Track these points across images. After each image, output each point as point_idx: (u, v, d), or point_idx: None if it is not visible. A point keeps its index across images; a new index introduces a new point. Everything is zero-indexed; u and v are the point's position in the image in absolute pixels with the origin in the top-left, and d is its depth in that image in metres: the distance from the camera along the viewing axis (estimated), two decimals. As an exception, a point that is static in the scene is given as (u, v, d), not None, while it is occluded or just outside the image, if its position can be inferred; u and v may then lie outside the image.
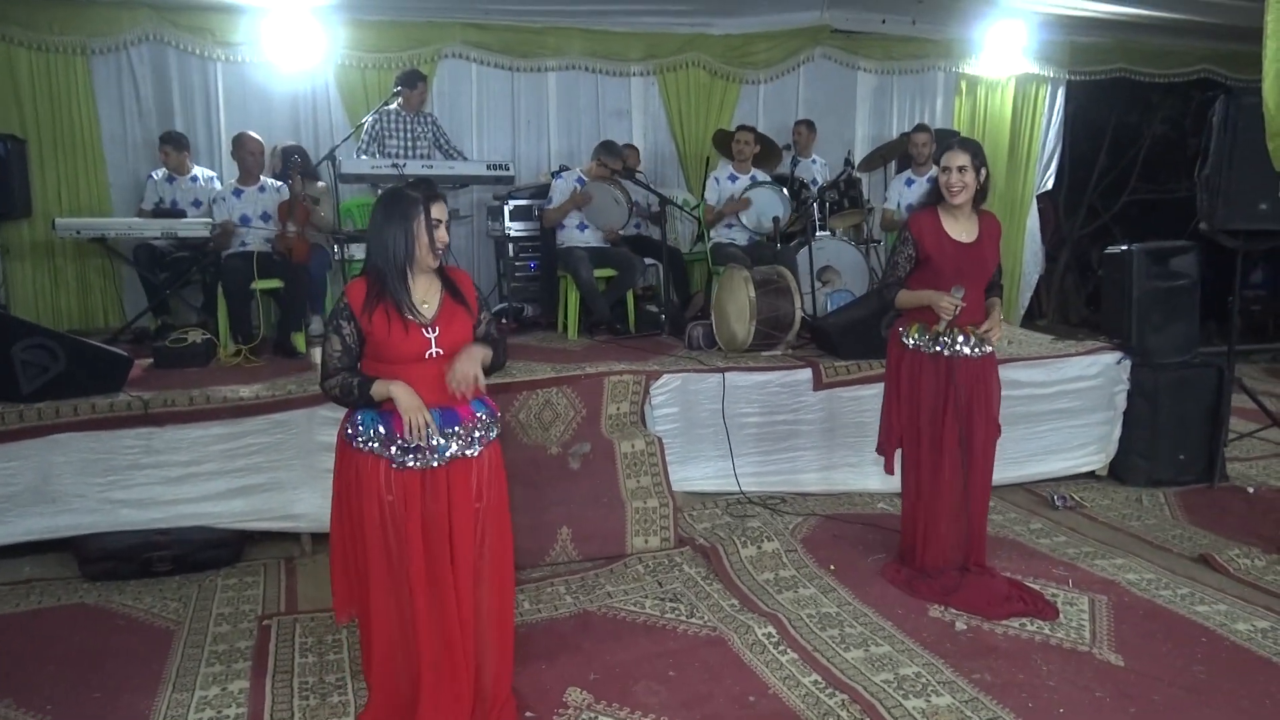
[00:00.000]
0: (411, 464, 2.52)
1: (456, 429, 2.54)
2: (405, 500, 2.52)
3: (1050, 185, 8.47)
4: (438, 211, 2.52)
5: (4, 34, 6.01)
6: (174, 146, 5.91)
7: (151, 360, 4.78)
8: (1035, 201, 8.37)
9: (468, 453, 2.56)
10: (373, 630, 2.63)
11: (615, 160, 5.85)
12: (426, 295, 2.56)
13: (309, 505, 4.07)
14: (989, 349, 3.61)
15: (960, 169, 3.44)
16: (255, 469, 4.05)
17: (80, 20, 6.12)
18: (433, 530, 2.55)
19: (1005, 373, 3.78)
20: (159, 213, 5.84)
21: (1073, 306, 10.67)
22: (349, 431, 2.57)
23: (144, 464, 3.92)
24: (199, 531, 3.99)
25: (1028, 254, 8.41)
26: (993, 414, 3.69)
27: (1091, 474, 5.21)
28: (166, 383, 4.35)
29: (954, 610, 3.50)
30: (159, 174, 6.04)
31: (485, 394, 2.64)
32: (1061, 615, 3.47)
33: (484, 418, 2.61)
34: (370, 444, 2.53)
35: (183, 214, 5.83)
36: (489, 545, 2.62)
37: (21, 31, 6.03)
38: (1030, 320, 8.83)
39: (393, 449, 2.51)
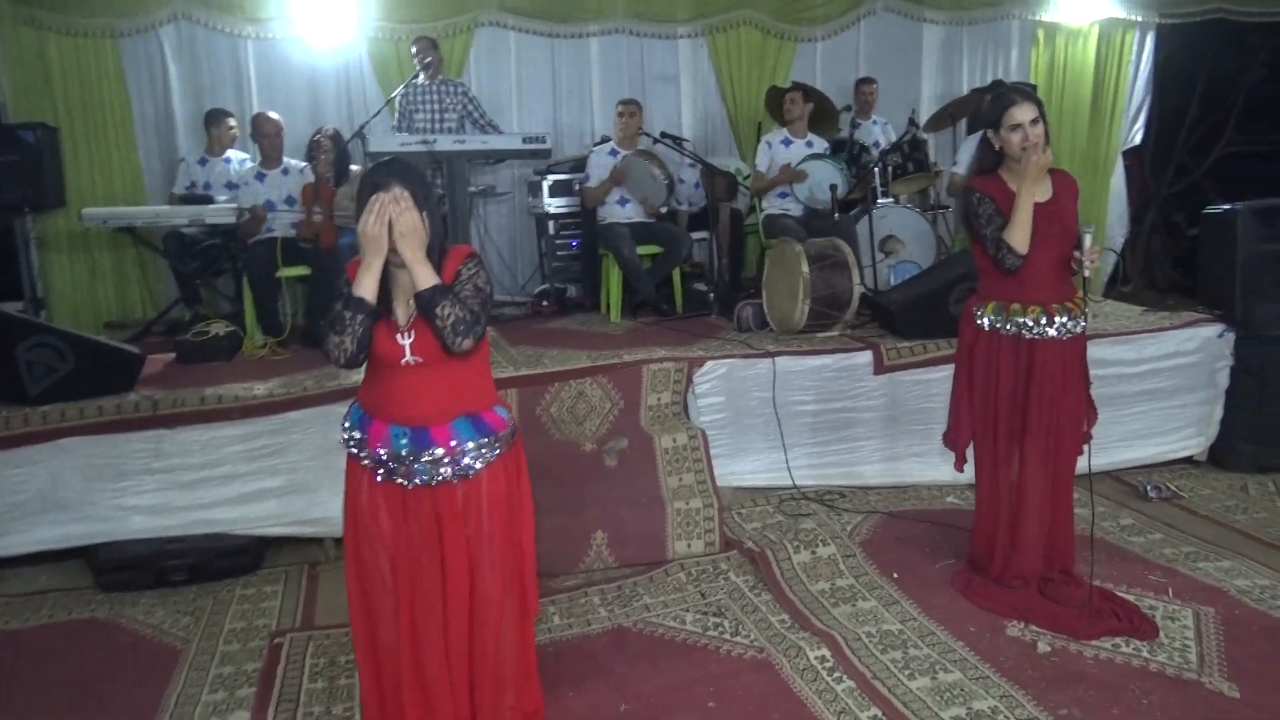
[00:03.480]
0: (391, 477, 2.24)
1: (435, 451, 2.22)
2: (382, 514, 2.27)
3: (1138, 141, 7.79)
4: (401, 201, 2.14)
5: (33, 19, 5.85)
6: (214, 125, 5.75)
7: (175, 355, 4.59)
8: (1121, 159, 7.70)
9: (450, 473, 2.24)
10: (358, 649, 2.41)
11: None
12: (410, 295, 2.23)
13: (330, 508, 3.80)
14: (1080, 328, 3.15)
15: (1033, 121, 3.00)
16: (272, 471, 3.82)
17: (109, 3, 5.94)
18: (419, 552, 2.27)
19: (1091, 350, 3.32)
20: (188, 198, 5.67)
21: (1159, 270, 9.93)
22: (341, 427, 2.34)
23: (155, 468, 3.73)
24: (215, 539, 3.77)
25: (1113, 216, 7.78)
26: (1082, 400, 3.24)
27: (1189, 460, 4.70)
28: (187, 379, 4.16)
29: (1036, 628, 3.08)
30: (191, 157, 5.88)
31: (487, 410, 2.32)
32: (1162, 634, 3.02)
33: (475, 441, 2.26)
34: (354, 447, 2.29)
35: (211, 199, 5.63)
36: (486, 575, 2.30)
37: (50, 16, 5.87)
38: (1113, 287, 8.19)
39: (366, 459, 2.25)
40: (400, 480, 2.25)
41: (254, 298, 4.99)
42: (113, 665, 3.13)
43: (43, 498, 3.67)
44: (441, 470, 2.24)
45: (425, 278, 2.14)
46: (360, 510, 2.30)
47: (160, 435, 3.71)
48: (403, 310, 2.23)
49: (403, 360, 2.20)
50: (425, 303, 2.13)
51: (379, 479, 2.26)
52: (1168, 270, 9.92)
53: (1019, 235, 3.04)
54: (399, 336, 2.19)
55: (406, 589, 2.30)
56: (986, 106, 3.14)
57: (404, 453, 2.23)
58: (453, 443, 2.24)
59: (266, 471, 3.81)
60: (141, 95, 6.19)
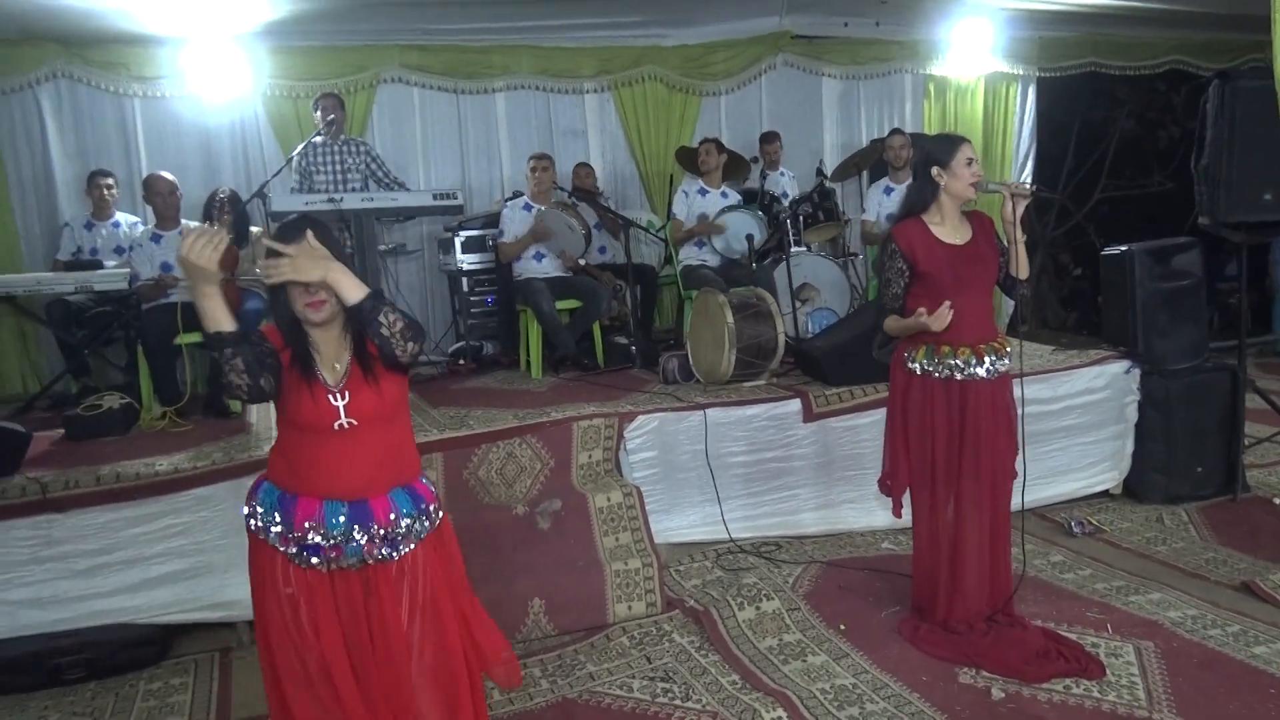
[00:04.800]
0: (316, 563, 2.05)
1: (372, 529, 2.06)
2: (310, 599, 2.06)
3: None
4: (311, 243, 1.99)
5: (-102, 77, 5.48)
6: (111, 180, 5.47)
7: (63, 432, 4.25)
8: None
9: (387, 553, 2.08)
10: None
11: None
12: (338, 354, 2.08)
13: (242, 590, 3.40)
14: (1004, 367, 3.20)
15: (977, 160, 3.14)
16: (177, 553, 3.53)
17: (-20, 59, 5.62)
18: (352, 638, 2.08)
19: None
20: (74, 264, 5.33)
21: (1050, 311, 10.39)
22: (247, 510, 2.11)
23: (44, 557, 3.40)
24: (115, 630, 3.45)
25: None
26: (1012, 440, 3.28)
27: (1105, 493, 4.82)
28: (77, 458, 3.83)
29: (987, 673, 3.05)
30: (76, 220, 5.54)
31: (417, 479, 2.18)
32: (1109, 671, 3.04)
33: (411, 516, 2.11)
34: (267, 531, 2.07)
35: (100, 264, 5.30)
36: (428, 655, 2.12)
37: (-83, 74, 5.51)
38: (1012, 329, 8.49)
39: (291, 546, 2.04)
40: (329, 565, 2.06)
41: (150, 366, 4.67)
42: (0, 784, 2.81)
43: (-87, 596, 3.31)
44: (378, 550, 2.07)
45: (356, 289, 1.97)
46: (278, 607, 2.06)
47: (50, 520, 3.39)
48: (329, 372, 2.07)
49: (336, 423, 2.03)
50: (367, 312, 1.96)
51: (300, 566, 2.06)
52: (1058, 310, 10.39)
53: (895, 327, 3.22)
54: (331, 398, 2.03)
55: (338, 680, 2.08)
56: (932, 146, 3.21)
57: (338, 532, 2.05)
58: (391, 516, 2.08)
59: (172, 554, 3.52)
60: (18, 156, 5.84)
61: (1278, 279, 8.33)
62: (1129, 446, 4.78)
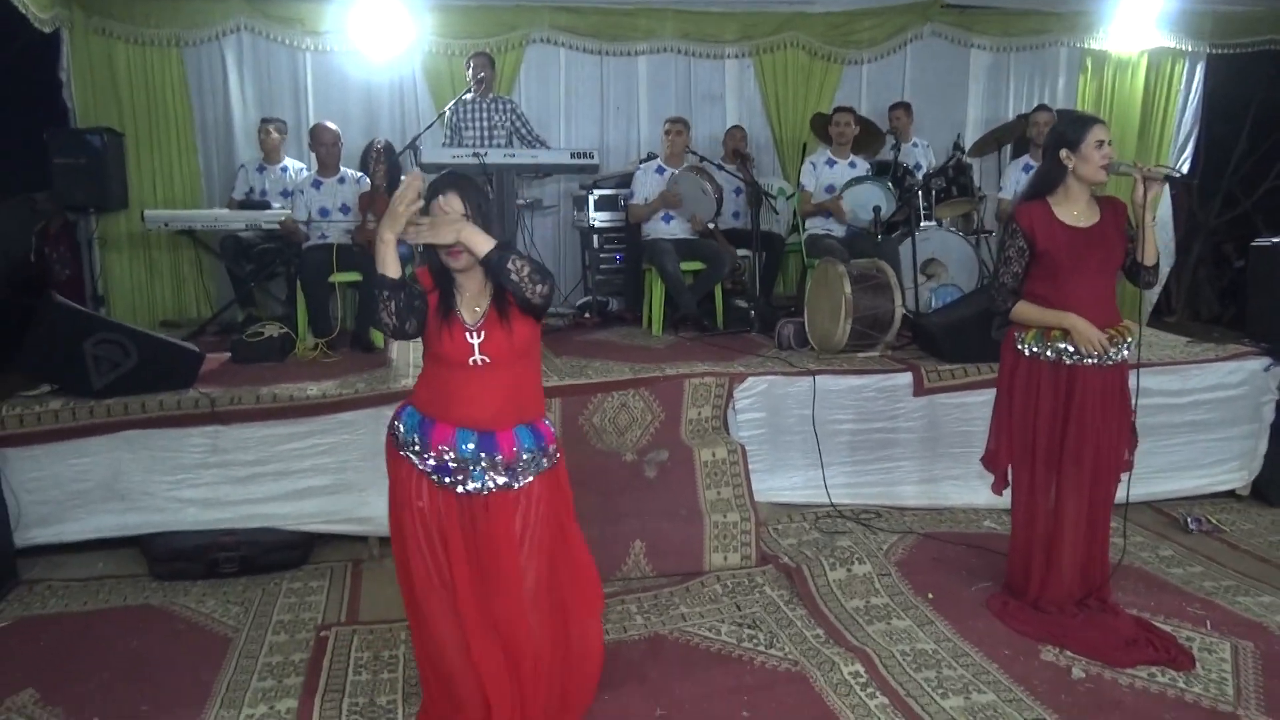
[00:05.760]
0: (448, 482, 2.31)
1: (497, 458, 2.30)
2: (441, 514, 2.33)
3: (1186, 170, 7.74)
4: (448, 206, 2.26)
5: (103, 28, 6.09)
6: (276, 128, 5.92)
7: (229, 355, 4.73)
8: (1168, 188, 7.65)
9: (509, 483, 2.32)
10: (423, 636, 2.45)
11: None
12: (479, 298, 2.33)
13: (377, 508, 3.88)
14: (1121, 356, 3.17)
15: (1110, 142, 3.09)
16: (322, 470, 3.93)
17: (175, 13, 6.18)
18: (472, 554, 2.34)
19: (1135, 379, 3.33)
20: (247, 204, 5.85)
21: (1205, 302, 9.80)
22: (393, 428, 2.41)
23: (211, 463, 3.85)
24: (265, 533, 3.89)
25: (1159, 245, 7.69)
26: (1125, 428, 3.25)
27: (1231, 493, 4.67)
28: (240, 378, 4.28)
29: (1071, 654, 3.08)
30: (250, 163, 6.05)
31: (540, 419, 2.41)
32: (1199, 665, 3.02)
33: (531, 452, 2.35)
34: (409, 450, 2.35)
35: (268, 205, 5.80)
36: (536, 579, 2.37)
37: (119, 25, 6.11)
38: (1158, 317, 8.12)
39: (429, 462, 2.31)
40: (457, 486, 2.32)
41: (307, 301, 5.12)
42: (166, 650, 3.24)
43: (103, 487, 3.81)
44: (498, 478, 2.31)
45: (485, 243, 2.22)
46: (415, 514, 2.34)
47: (217, 431, 3.83)
48: (468, 312, 2.32)
49: (471, 359, 2.28)
50: (495, 262, 2.21)
51: (435, 483, 2.33)
52: (1213, 302, 9.79)
53: (1030, 315, 3.19)
54: (468, 335, 2.28)
55: (460, 588, 2.35)
56: (1063, 126, 3.19)
57: (467, 457, 2.30)
58: (515, 449, 2.32)
59: (317, 470, 3.92)
60: (203, 103, 6.41)
61: None
62: (1262, 447, 4.60)
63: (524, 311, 2.31)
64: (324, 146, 5.29)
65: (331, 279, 5.09)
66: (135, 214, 6.12)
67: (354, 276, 5.17)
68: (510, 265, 2.20)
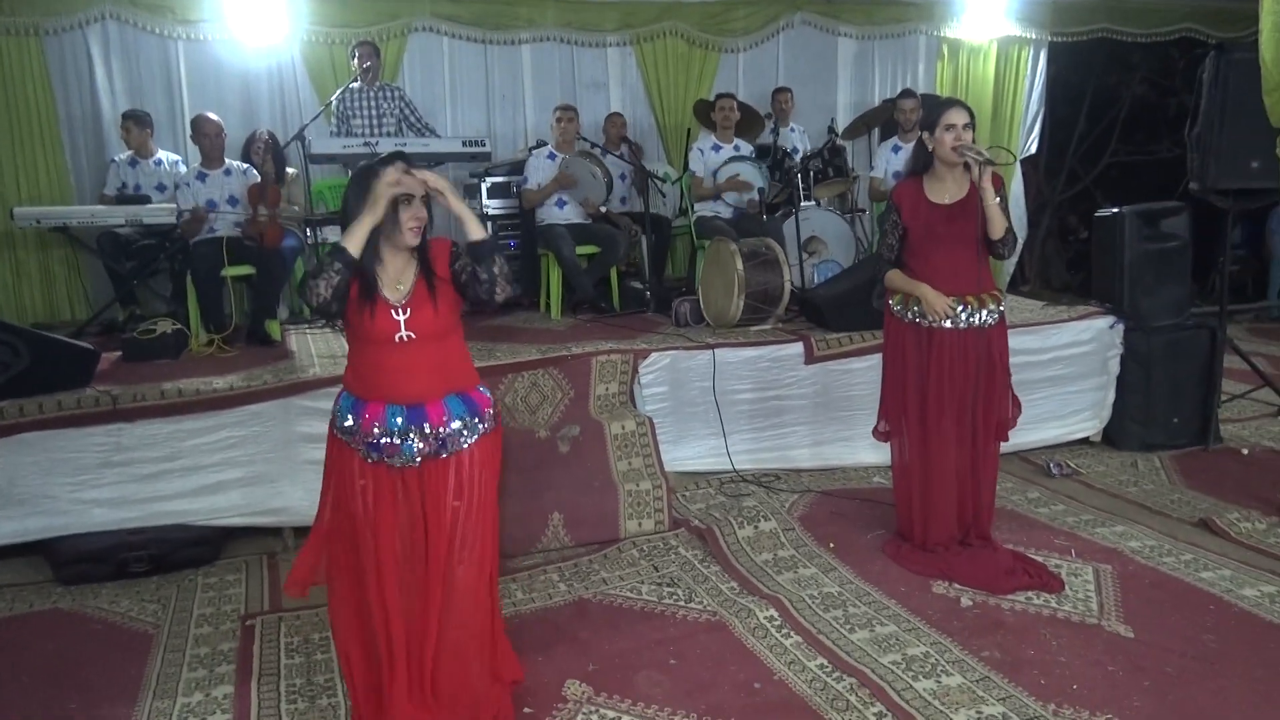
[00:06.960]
0: (381, 458, 2.39)
1: (425, 429, 2.39)
2: (378, 491, 2.41)
3: (1034, 150, 8.38)
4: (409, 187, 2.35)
5: (-46, 17, 5.76)
6: (135, 123, 5.70)
7: (120, 353, 4.60)
8: (1019, 167, 8.27)
9: (436, 450, 2.41)
10: (343, 619, 2.52)
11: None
12: (402, 276, 2.41)
13: (290, 499, 3.94)
14: (977, 320, 3.44)
15: (965, 126, 3.34)
16: (232, 463, 3.90)
17: (32, 1, 5.88)
18: (407, 529, 2.43)
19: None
20: (122, 199, 5.65)
21: (1055, 272, 10.63)
22: (333, 414, 2.48)
23: (115, 462, 3.76)
24: (176, 530, 3.83)
25: (1012, 220, 8.29)
26: (1003, 388, 3.57)
27: (1086, 440, 5.15)
28: (136, 376, 4.17)
29: (958, 586, 3.42)
30: (122, 158, 5.84)
31: (473, 388, 2.51)
32: (1067, 587, 3.40)
33: (462, 419, 2.43)
34: (345, 432, 2.43)
35: (147, 199, 5.63)
36: (466, 543, 2.45)
37: (-31, 13, 5.79)
38: (1014, 287, 8.78)
39: (361, 445, 2.39)
40: (388, 460, 2.40)
41: (198, 296, 5.02)
42: (86, 650, 3.20)
43: (0, 494, 3.68)
44: (429, 446, 2.40)
45: (478, 229, 2.38)
46: (352, 494, 2.41)
47: (120, 429, 3.75)
48: (391, 291, 2.39)
49: (397, 335, 2.36)
50: (487, 250, 2.36)
51: (369, 461, 2.40)
52: (1063, 272, 10.62)
53: (897, 282, 3.53)
54: (393, 313, 2.36)
55: (395, 567, 2.43)
56: (923, 111, 3.48)
57: (395, 429, 2.38)
58: (444, 418, 2.42)
59: (228, 463, 3.88)
60: (68, 95, 6.14)
61: (1275, 247, 8.57)
62: (1110, 397, 5.09)
63: (474, 303, 2.42)
64: (207, 138, 5.17)
65: (224, 273, 5.00)
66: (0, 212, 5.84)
67: (245, 270, 5.09)
68: (496, 258, 2.37)
